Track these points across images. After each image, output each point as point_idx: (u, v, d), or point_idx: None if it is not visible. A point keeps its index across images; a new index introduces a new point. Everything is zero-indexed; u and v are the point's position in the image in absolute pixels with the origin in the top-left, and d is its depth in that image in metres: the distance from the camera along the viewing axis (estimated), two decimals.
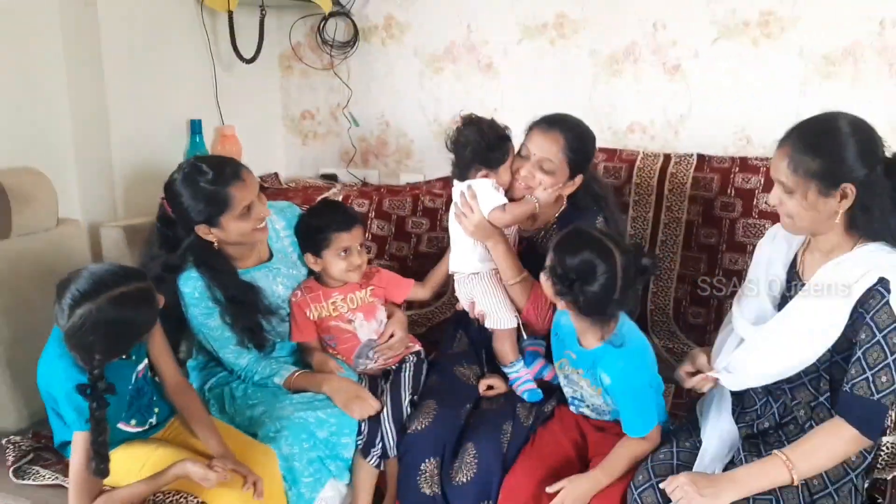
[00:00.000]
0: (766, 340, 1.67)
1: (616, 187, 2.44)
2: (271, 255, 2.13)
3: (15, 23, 2.19)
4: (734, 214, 2.32)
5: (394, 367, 2.15)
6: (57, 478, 1.82)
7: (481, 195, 1.99)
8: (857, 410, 1.54)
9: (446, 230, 2.14)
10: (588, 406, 1.92)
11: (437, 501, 1.88)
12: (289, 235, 2.16)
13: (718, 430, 1.77)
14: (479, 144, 1.99)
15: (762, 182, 2.28)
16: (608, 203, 2.13)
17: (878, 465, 1.68)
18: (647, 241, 2.41)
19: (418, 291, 2.27)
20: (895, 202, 1.57)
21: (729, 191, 2.33)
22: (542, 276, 1.78)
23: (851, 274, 1.57)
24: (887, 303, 1.51)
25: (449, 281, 2.22)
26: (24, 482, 1.81)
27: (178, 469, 1.70)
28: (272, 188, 2.86)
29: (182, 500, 1.73)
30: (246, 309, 2.01)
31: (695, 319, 2.40)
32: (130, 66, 2.40)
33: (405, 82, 2.90)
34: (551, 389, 2.05)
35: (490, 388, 2.07)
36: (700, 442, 1.78)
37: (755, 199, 2.29)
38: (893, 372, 1.52)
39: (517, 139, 2.06)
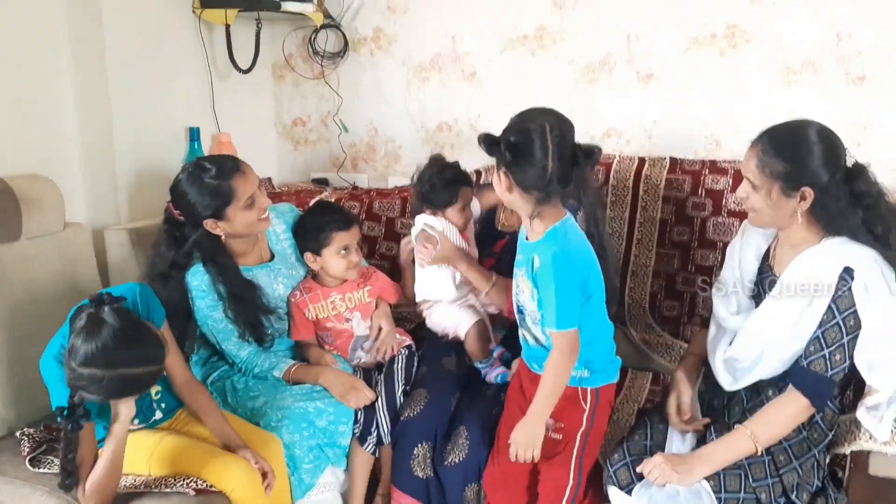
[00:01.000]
0: (756, 335, 1.76)
1: (594, 189, 2.56)
2: (272, 256, 2.24)
3: (24, 37, 2.27)
4: (705, 213, 2.44)
5: (387, 360, 2.26)
6: None
7: (442, 228, 2.13)
8: (811, 384, 1.68)
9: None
10: (530, 318, 1.87)
11: (430, 483, 2.00)
12: (288, 238, 2.26)
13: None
14: (432, 185, 2.14)
15: (731, 183, 2.40)
16: (589, 197, 2.20)
17: (838, 442, 1.80)
18: (623, 238, 2.52)
19: (401, 298, 2.37)
20: (852, 205, 1.68)
21: (700, 191, 2.44)
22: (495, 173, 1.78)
23: (822, 267, 1.68)
24: (850, 288, 1.64)
25: None
26: (40, 471, 1.88)
27: None
28: (266, 192, 2.96)
29: (191, 482, 1.81)
30: (246, 305, 2.10)
31: (669, 312, 2.52)
32: (133, 76, 2.49)
33: (393, 91, 3.01)
34: None
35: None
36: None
37: (724, 199, 2.41)
38: (846, 351, 1.66)
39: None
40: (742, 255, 1.91)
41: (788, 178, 1.67)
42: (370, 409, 2.10)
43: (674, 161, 2.53)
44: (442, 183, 2.14)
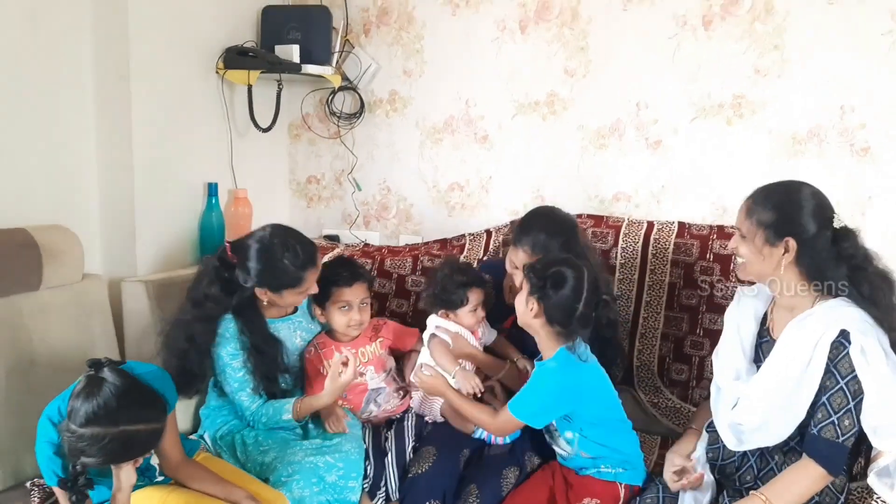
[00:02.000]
0: (757, 402, 1.78)
1: (603, 251, 2.59)
2: (295, 309, 2.27)
3: (51, 92, 2.35)
4: (713, 278, 2.46)
5: (397, 416, 2.27)
6: None
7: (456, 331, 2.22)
8: (824, 451, 1.69)
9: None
10: (556, 435, 2.03)
11: None
12: None
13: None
14: (444, 287, 2.21)
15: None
16: (591, 265, 2.27)
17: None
18: (633, 300, 2.55)
19: (417, 344, 2.39)
20: (838, 266, 1.73)
21: (708, 256, 2.48)
22: (521, 290, 1.96)
23: (815, 330, 1.72)
24: (847, 353, 1.67)
25: None
26: None
27: None
28: None
29: None
30: (266, 359, 2.13)
31: (678, 375, 2.52)
32: (156, 132, 2.56)
33: (406, 151, 3.08)
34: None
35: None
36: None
37: (732, 264, 2.43)
38: (854, 416, 1.67)
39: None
40: (740, 320, 1.94)
41: (773, 227, 1.74)
42: (380, 465, 2.11)
43: (682, 226, 2.57)
44: (454, 285, 2.19)
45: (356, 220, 3.22)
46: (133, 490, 1.76)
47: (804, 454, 1.72)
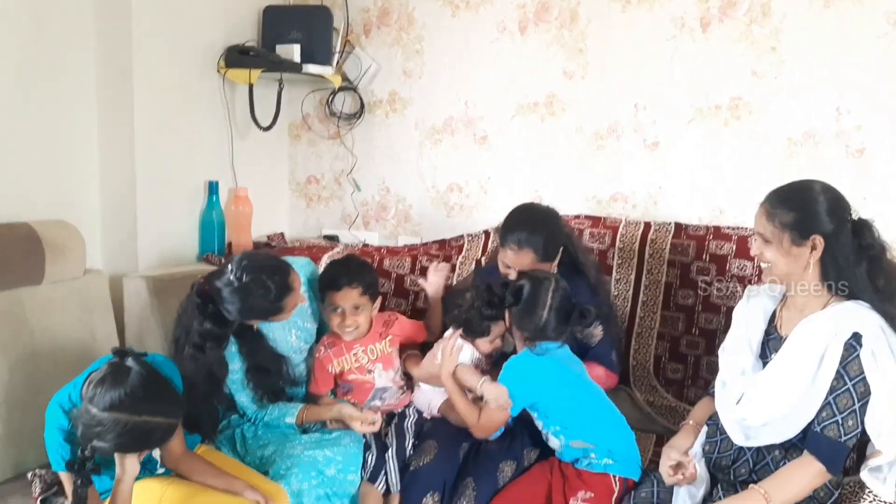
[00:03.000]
0: (764, 400, 1.79)
1: (600, 251, 2.62)
2: None
3: (54, 89, 2.38)
4: (709, 278, 2.48)
5: (398, 410, 2.29)
6: None
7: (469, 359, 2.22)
8: (826, 450, 1.70)
9: None
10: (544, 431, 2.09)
11: None
12: (305, 290, 2.29)
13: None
14: (472, 313, 2.16)
15: (734, 249, 2.46)
16: (589, 269, 2.31)
17: (845, 501, 1.81)
18: (629, 300, 2.57)
19: (427, 335, 2.42)
20: (859, 258, 1.75)
21: (704, 256, 2.50)
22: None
23: (827, 330, 1.73)
24: (858, 356, 1.69)
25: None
26: None
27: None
28: (279, 246, 3.04)
29: None
30: (273, 377, 2.16)
31: (674, 374, 2.54)
32: (158, 131, 2.58)
33: (406, 152, 3.10)
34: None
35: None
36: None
37: (728, 265, 2.46)
38: (858, 417, 1.69)
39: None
40: (749, 318, 1.95)
41: (797, 227, 1.75)
42: (380, 457, 2.12)
43: (679, 226, 2.59)
44: (481, 316, 2.16)
45: (355, 220, 3.23)
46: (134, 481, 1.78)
47: (805, 451, 1.74)
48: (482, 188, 2.99)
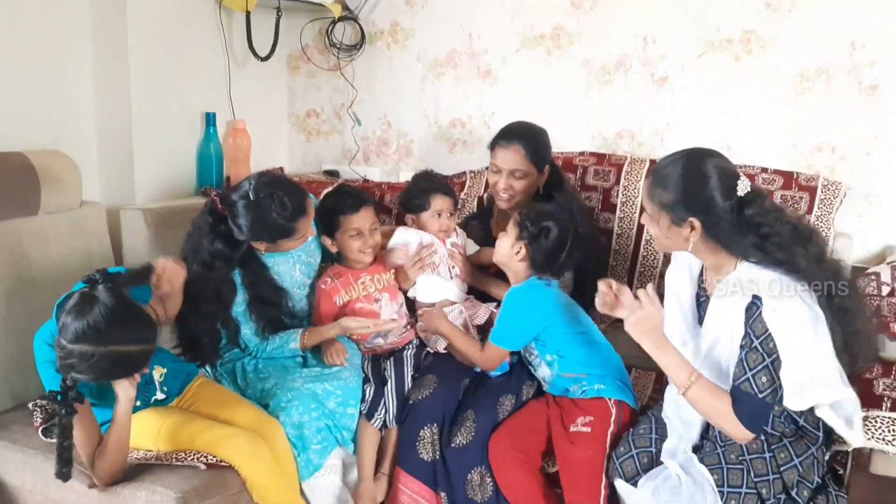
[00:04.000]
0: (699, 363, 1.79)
1: (605, 189, 2.59)
2: None
3: (47, 18, 2.31)
4: None
5: (398, 347, 2.29)
6: None
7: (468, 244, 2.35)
8: (746, 405, 1.67)
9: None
10: (535, 363, 2.13)
11: (436, 466, 2.02)
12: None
13: (678, 413, 1.92)
14: (408, 191, 2.38)
15: None
16: (568, 199, 2.34)
17: (838, 439, 1.82)
18: (632, 239, 2.55)
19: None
20: (743, 232, 1.68)
21: None
22: (505, 234, 2.09)
23: (734, 301, 1.70)
24: (760, 314, 1.65)
25: None
26: (52, 440, 1.89)
27: None
28: None
29: (201, 457, 1.85)
30: (271, 309, 2.15)
31: None
32: (153, 60, 2.52)
33: (407, 85, 3.04)
34: None
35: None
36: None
37: None
38: (772, 373, 1.66)
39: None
40: (678, 285, 1.94)
41: (675, 208, 1.71)
42: (378, 390, 2.13)
43: None
44: (418, 190, 2.31)
45: (356, 155, 3.19)
46: (134, 410, 1.79)
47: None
48: (486, 124, 2.94)
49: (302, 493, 2.02)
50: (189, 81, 2.70)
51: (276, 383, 2.10)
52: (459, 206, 2.49)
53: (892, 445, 1.76)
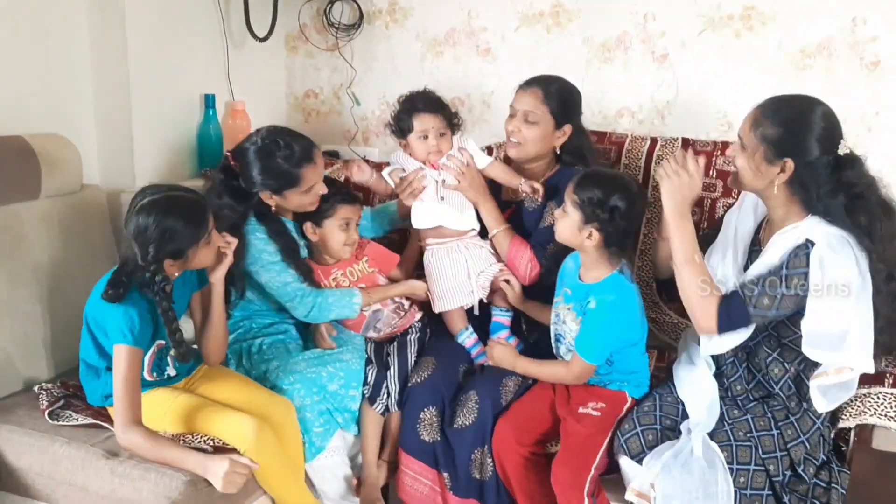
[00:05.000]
0: None
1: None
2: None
3: (44, 1, 2.29)
4: (715, 194, 2.45)
5: (399, 333, 2.29)
6: (88, 419, 1.93)
7: (476, 154, 2.21)
8: (734, 307, 1.71)
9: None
10: (565, 346, 2.05)
11: (437, 447, 2.04)
12: None
13: (695, 387, 1.93)
14: (395, 113, 2.24)
15: None
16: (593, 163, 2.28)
17: (843, 417, 1.85)
18: None
19: (396, 272, 2.38)
20: (835, 191, 1.70)
21: (711, 172, 2.44)
22: (566, 209, 1.93)
23: (791, 238, 1.72)
24: (807, 254, 1.67)
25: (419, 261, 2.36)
26: (59, 423, 1.92)
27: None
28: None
29: (208, 440, 1.87)
30: (299, 262, 2.15)
31: (676, 291, 2.54)
32: (151, 42, 2.49)
33: (406, 64, 3.01)
34: None
35: None
36: (680, 399, 1.95)
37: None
38: (776, 303, 1.68)
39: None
40: (739, 223, 1.94)
41: (774, 144, 1.70)
42: (381, 375, 2.14)
43: (686, 141, 2.53)
44: (400, 111, 2.22)
45: (355, 135, 3.17)
46: (143, 391, 1.83)
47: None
48: (485, 102, 2.92)
49: (306, 475, 2.04)
50: (187, 63, 2.67)
51: (278, 365, 2.10)
52: (458, 122, 2.29)
53: (894, 421, 1.77)
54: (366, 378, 2.13)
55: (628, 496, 1.81)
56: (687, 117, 2.64)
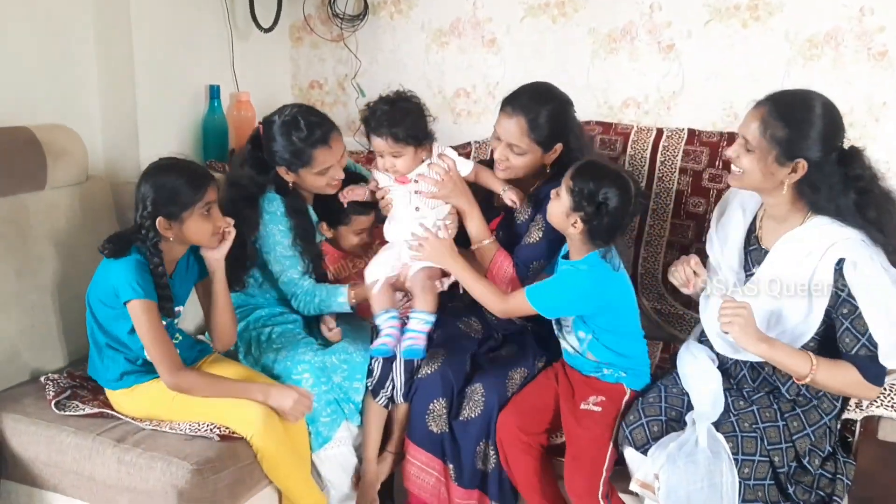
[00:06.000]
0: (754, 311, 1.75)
1: (612, 158, 2.56)
2: None
3: None
4: (721, 185, 2.44)
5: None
6: (94, 409, 1.95)
7: (457, 161, 2.14)
8: (872, 367, 1.68)
9: None
10: (565, 330, 2.05)
11: (444, 439, 2.04)
12: None
13: (700, 379, 1.92)
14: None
15: None
16: (585, 146, 2.19)
17: (849, 408, 1.84)
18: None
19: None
20: (843, 187, 1.69)
21: (717, 163, 2.45)
22: (558, 197, 1.90)
23: (810, 251, 1.70)
24: (842, 272, 1.67)
25: None
26: (65, 413, 1.93)
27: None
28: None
29: (215, 428, 1.87)
30: (311, 245, 2.18)
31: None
32: (156, 33, 2.49)
33: (411, 55, 3.00)
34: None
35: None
36: (685, 390, 1.94)
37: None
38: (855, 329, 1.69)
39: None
40: (729, 221, 1.93)
41: (787, 146, 1.68)
42: (386, 366, 2.13)
43: (691, 133, 2.53)
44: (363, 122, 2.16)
45: (360, 127, 3.15)
46: (149, 378, 1.88)
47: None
48: (490, 93, 2.91)
49: (312, 464, 2.04)
50: (192, 54, 2.66)
51: (287, 355, 2.11)
52: (422, 135, 2.09)
53: None
54: (370, 371, 2.13)
55: (633, 487, 1.81)
56: (693, 108, 2.63)
